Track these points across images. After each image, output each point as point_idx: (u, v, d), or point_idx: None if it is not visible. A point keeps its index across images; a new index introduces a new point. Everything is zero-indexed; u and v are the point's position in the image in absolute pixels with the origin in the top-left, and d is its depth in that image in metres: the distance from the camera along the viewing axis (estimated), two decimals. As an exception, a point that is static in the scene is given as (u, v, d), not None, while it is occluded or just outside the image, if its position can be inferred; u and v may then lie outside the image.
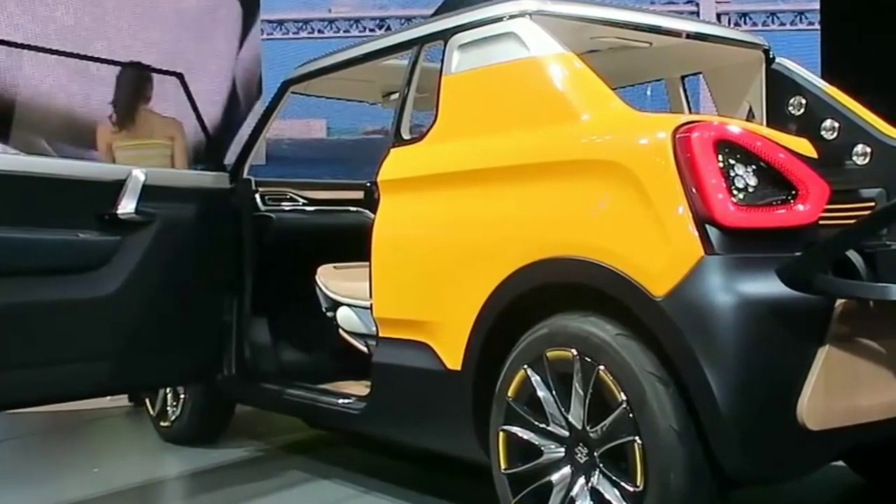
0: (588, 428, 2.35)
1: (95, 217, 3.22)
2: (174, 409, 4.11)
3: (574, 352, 2.36)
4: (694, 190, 2.19)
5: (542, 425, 2.44)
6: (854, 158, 2.78)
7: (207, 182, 3.61)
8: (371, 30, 7.34)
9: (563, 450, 2.41)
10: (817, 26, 7.02)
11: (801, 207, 2.23)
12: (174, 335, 3.44)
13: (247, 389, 3.69)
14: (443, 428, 2.82)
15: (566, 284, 2.46)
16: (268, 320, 3.82)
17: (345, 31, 7.42)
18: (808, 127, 2.93)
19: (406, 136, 3.09)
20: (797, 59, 3.23)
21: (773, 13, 7.18)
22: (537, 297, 2.51)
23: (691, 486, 2.18)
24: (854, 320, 2.18)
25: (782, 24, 7.17)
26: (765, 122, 3.13)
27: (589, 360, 2.33)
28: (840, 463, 3.03)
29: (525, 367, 2.48)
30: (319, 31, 7.45)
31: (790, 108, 3.02)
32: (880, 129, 2.76)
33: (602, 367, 2.30)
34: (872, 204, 2.65)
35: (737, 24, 7.16)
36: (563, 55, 2.66)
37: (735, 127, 2.32)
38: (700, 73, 3.56)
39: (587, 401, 2.34)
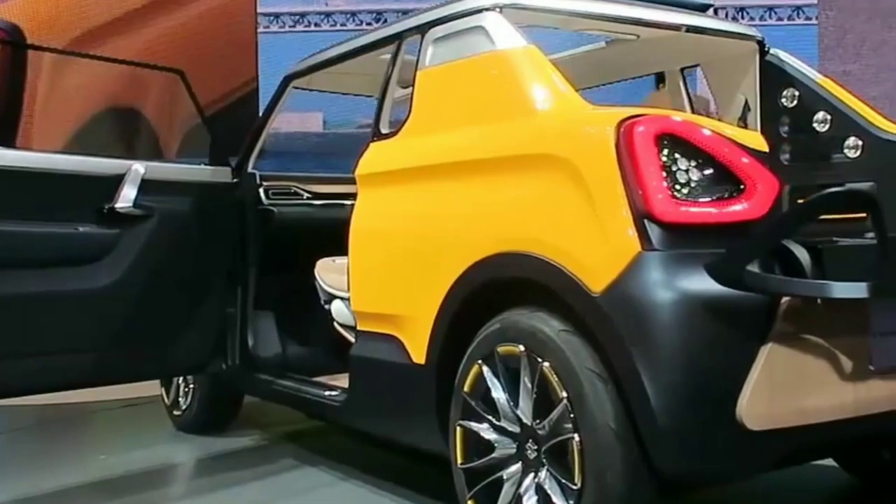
0: (535, 424, 2.33)
1: (94, 211, 3.28)
2: (185, 399, 4.25)
3: (522, 347, 2.36)
4: (633, 185, 2.15)
5: (495, 421, 2.44)
6: (845, 151, 2.75)
7: (208, 176, 3.65)
8: (368, 23, 7.32)
9: (514, 446, 2.40)
10: (815, 21, 7.01)
11: (747, 202, 2.19)
12: (172, 327, 3.49)
13: (248, 380, 3.73)
14: (410, 422, 2.83)
15: (514, 280, 2.44)
16: (270, 313, 3.87)
17: (341, 25, 7.40)
18: (800, 119, 2.91)
19: (384, 131, 3.12)
20: (794, 53, 3.21)
21: (770, 8, 7.17)
22: (493, 292, 2.50)
23: (628, 485, 2.15)
24: (800, 319, 2.12)
25: (780, 18, 7.16)
26: (758, 115, 3.11)
27: (535, 356, 2.31)
28: (833, 463, 3.04)
29: (479, 362, 2.48)
30: (316, 25, 7.43)
31: (783, 100, 2.99)
32: (872, 121, 2.73)
33: (546, 364, 2.29)
34: None
35: (734, 19, 7.15)
36: (525, 49, 2.64)
37: (680, 121, 2.28)
38: (697, 65, 3.56)
39: (534, 397, 2.33)
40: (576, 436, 2.21)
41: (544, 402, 2.32)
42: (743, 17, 7.18)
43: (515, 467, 2.40)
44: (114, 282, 3.30)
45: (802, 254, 2.14)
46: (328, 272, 3.52)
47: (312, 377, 3.54)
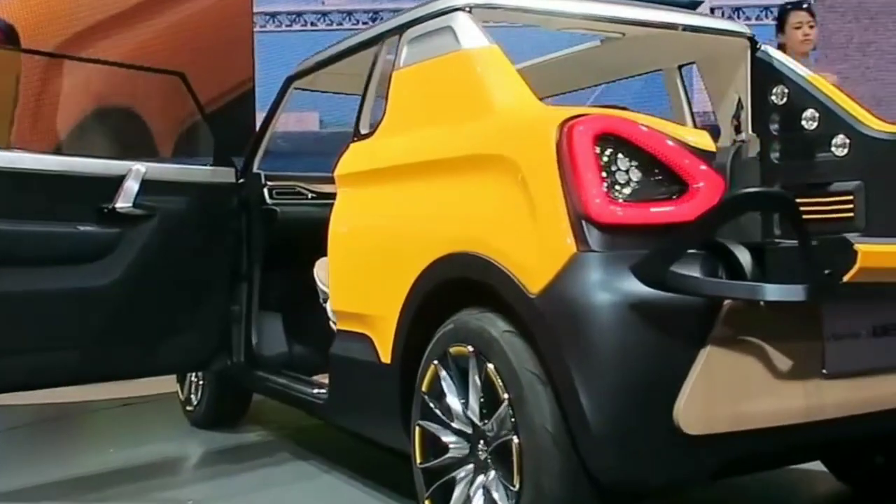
0: (483, 426, 2.32)
1: (96, 211, 3.31)
2: (196, 395, 4.33)
3: (470, 348, 2.35)
4: (571, 185, 2.12)
5: (449, 421, 2.43)
6: (833, 149, 2.68)
7: (211, 177, 3.67)
8: (364, 23, 7.33)
9: (468, 447, 2.39)
10: (811, 20, 7.02)
11: (689, 203, 2.14)
12: (173, 324, 3.52)
13: (249, 377, 3.76)
14: (380, 420, 2.83)
15: (464, 280, 2.44)
16: (274, 311, 3.88)
17: (338, 24, 7.41)
18: (790, 117, 2.89)
19: (363, 131, 3.14)
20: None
21: (766, 7, 7.19)
22: (449, 292, 2.50)
23: (565, 490, 2.12)
24: (744, 321, 2.05)
25: (776, 18, 7.16)
26: (750, 113, 3.09)
27: (482, 356, 2.30)
28: (823, 468, 3.02)
29: (435, 362, 2.48)
30: (312, 24, 7.44)
31: (773, 97, 2.90)
32: (861, 119, 2.67)
33: (490, 365, 2.27)
34: (850, 197, 2.56)
35: (730, 18, 7.16)
36: (484, 49, 2.62)
37: (623, 120, 2.22)
38: (692, 63, 3.56)
39: (481, 398, 2.33)
40: (515, 438, 2.18)
41: (491, 403, 2.29)
42: (739, 17, 7.19)
43: (468, 468, 2.39)
44: (114, 280, 3.34)
45: (744, 255, 2.09)
46: (325, 271, 3.54)
47: (313, 375, 3.56)
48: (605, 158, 2.13)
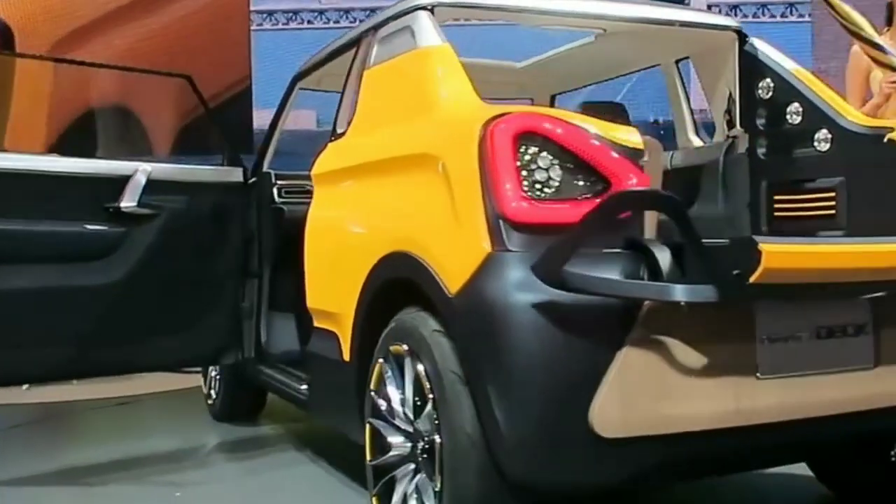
0: (416, 425, 2.32)
1: (102, 210, 3.40)
2: (214, 389, 4.47)
3: (405, 347, 2.34)
4: (489, 184, 2.10)
5: (393, 420, 2.43)
6: (815, 145, 2.67)
7: (218, 176, 3.73)
8: (361, 21, 7.30)
9: (409, 445, 2.38)
10: (808, 18, 7.03)
11: None
12: (181, 321, 3.59)
13: (255, 373, 3.81)
14: (345, 418, 2.84)
15: (400, 279, 2.44)
16: (283, 308, 3.90)
17: (335, 22, 7.39)
18: (776, 111, 2.85)
19: (339, 130, 3.15)
20: (788, 50, 3.18)
21: (763, 5, 7.17)
22: (394, 290, 2.50)
23: (482, 491, 2.10)
24: (666, 323, 2.00)
25: (773, 15, 7.17)
26: (738, 107, 3.07)
27: (414, 355, 2.30)
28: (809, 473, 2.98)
29: (381, 360, 2.48)
30: (309, 22, 7.42)
31: (759, 91, 2.90)
32: (844, 114, 2.65)
33: (419, 364, 2.27)
34: (832, 195, 2.56)
35: (727, 16, 7.15)
36: (434, 48, 2.62)
37: (545, 118, 2.19)
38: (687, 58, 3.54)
39: (414, 398, 2.32)
40: (437, 438, 2.18)
41: (421, 402, 2.30)
42: (736, 14, 7.19)
43: (408, 467, 2.38)
44: (119, 277, 3.42)
45: (664, 255, 2.04)
46: None
47: (298, 371, 3.58)
48: (528, 157, 2.11)
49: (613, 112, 3.30)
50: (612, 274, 2.00)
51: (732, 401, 2.06)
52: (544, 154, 2.11)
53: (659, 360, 2.01)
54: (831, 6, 2.69)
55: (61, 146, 6.83)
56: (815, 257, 1.92)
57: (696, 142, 3.51)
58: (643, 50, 3.44)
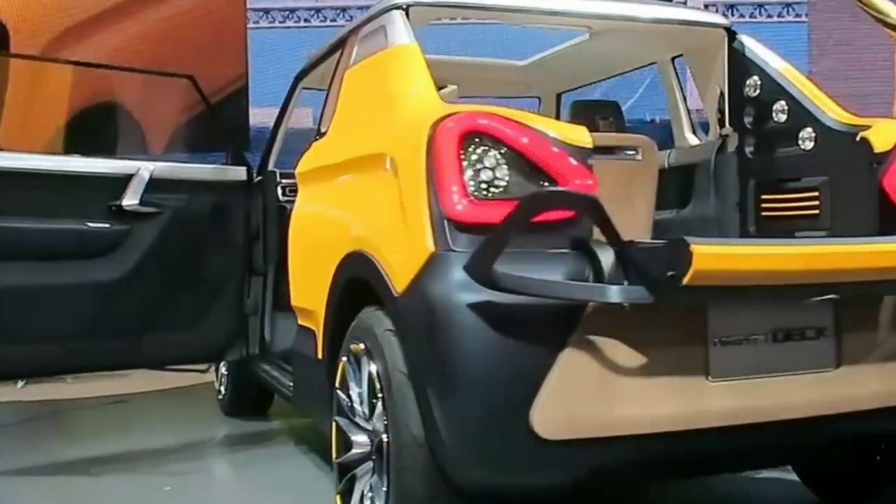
0: (371, 424, 2.32)
1: (105, 209, 3.45)
2: (223, 385, 4.55)
3: (363, 346, 2.35)
4: (434, 184, 2.09)
5: (354, 419, 2.43)
6: (800, 143, 2.65)
7: (221, 175, 3.76)
8: (358, 19, 7.31)
9: (368, 444, 2.37)
10: (804, 18, 7.04)
11: None
12: (184, 318, 3.63)
13: (257, 369, 3.84)
14: (320, 414, 2.84)
15: (358, 279, 2.44)
16: (286, 305, 3.93)
17: (331, 21, 7.39)
18: (763, 109, 2.84)
19: (323, 130, 3.16)
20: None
21: (760, 5, 7.18)
22: (357, 289, 2.49)
23: (426, 492, 2.10)
24: (608, 325, 1.98)
25: (769, 15, 7.18)
26: (727, 106, 3.05)
27: (370, 354, 2.30)
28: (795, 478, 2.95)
29: (344, 359, 2.48)
30: (306, 21, 7.42)
31: (747, 89, 2.89)
32: (828, 112, 2.62)
33: (372, 363, 2.27)
34: (816, 194, 2.54)
35: (724, 16, 7.14)
36: (402, 47, 2.61)
37: (492, 117, 2.15)
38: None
39: (370, 397, 2.32)
40: (384, 437, 2.20)
41: (374, 402, 2.29)
42: (733, 14, 7.20)
43: (367, 466, 2.37)
44: (121, 274, 3.46)
45: (606, 256, 2.02)
46: None
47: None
48: (475, 156, 2.10)
49: (605, 110, 3.31)
50: (555, 274, 1.96)
51: (681, 404, 2.04)
52: (491, 153, 2.09)
53: (603, 362, 1.98)
54: None
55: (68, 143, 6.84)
56: (748, 259, 1.89)
57: (693, 140, 3.50)
58: (635, 48, 3.42)
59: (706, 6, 7.14)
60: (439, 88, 3.38)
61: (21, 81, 6.80)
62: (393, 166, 2.31)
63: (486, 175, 2.07)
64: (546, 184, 2.08)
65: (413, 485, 2.10)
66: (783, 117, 2.74)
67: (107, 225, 3.46)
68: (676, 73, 3.58)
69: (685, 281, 1.79)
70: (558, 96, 4.14)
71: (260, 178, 3.88)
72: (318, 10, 7.43)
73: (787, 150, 2.67)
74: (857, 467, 2.72)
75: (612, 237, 1.92)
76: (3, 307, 3.30)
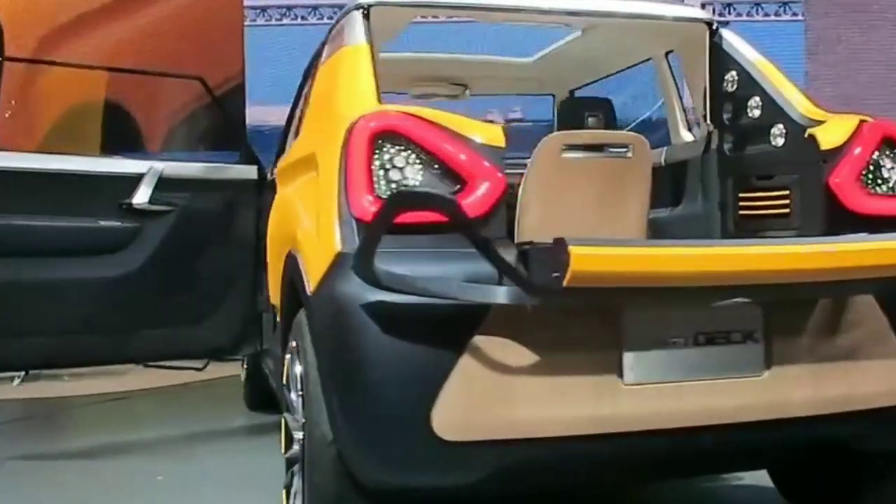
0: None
1: (116, 207, 3.56)
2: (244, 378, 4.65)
3: (295, 344, 2.36)
4: (344, 184, 2.10)
5: (294, 414, 2.44)
6: (771, 140, 2.60)
7: (231, 174, 3.81)
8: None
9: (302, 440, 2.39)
10: (801, 17, 7.04)
11: (465, 201, 2.05)
12: (198, 313, 3.71)
13: (264, 363, 3.86)
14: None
15: (290, 279, 2.46)
16: None
17: (329, 18, 7.37)
18: (739, 105, 2.80)
19: (300, 129, 3.18)
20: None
21: (757, 3, 7.17)
22: (296, 289, 2.49)
23: (336, 491, 2.11)
24: (513, 326, 1.96)
25: (766, 14, 7.17)
26: (708, 102, 3.02)
27: (298, 353, 2.31)
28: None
29: (287, 356, 2.50)
30: (303, 18, 7.40)
31: (725, 84, 2.85)
32: (797, 107, 2.57)
33: (298, 362, 2.29)
34: (787, 192, 2.50)
35: (721, 15, 7.16)
36: (352, 48, 2.61)
37: (403, 117, 2.16)
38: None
39: (299, 393, 2.33)
40: (299, 434, 2.21)
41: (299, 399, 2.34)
42: (730, 13, 7.19)
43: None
44: (131, 271, 3.56)
45: (509, 255, 2.01)
46: None
47: None
48: (386, 156, 2.10)
49: (595, 107, 3.31)
50: (454, 274, 1.95)
51: (591, 408, 2.01)
52: (403, 154, 2.11)
53: (506, 364, 1.97)
54: None
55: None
56: (627, 261, 1.87)
57: (687, 137, 3.50)
58: (627, 44, 3.40)
59: (703, 5, 7.14)
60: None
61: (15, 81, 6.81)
62: (314, 166, 2.34)
63: (395, 175, 2.08)
64: (457, 184, 2.08)
65: (323, 483, 2.12)
66: (757, 113, 2.71)
67: (117, 223, 3.57)
68: (671, 69, 3.56)
69: (565, 282, 1.78)
70: (571, 93, 4.10)
71: (273, 177, 3.89)
72: (315, 8, 7.42)
73: (761, 148, 2.64)
74: (835, 476, 2.65)
75: (476, 240, 1.90)
76: (15, 302, 3.43)
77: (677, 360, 2.08)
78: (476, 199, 2.07)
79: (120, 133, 7.09)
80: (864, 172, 2.36)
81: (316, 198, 2.29)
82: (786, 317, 2.15)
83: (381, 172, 2.08)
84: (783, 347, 2.14)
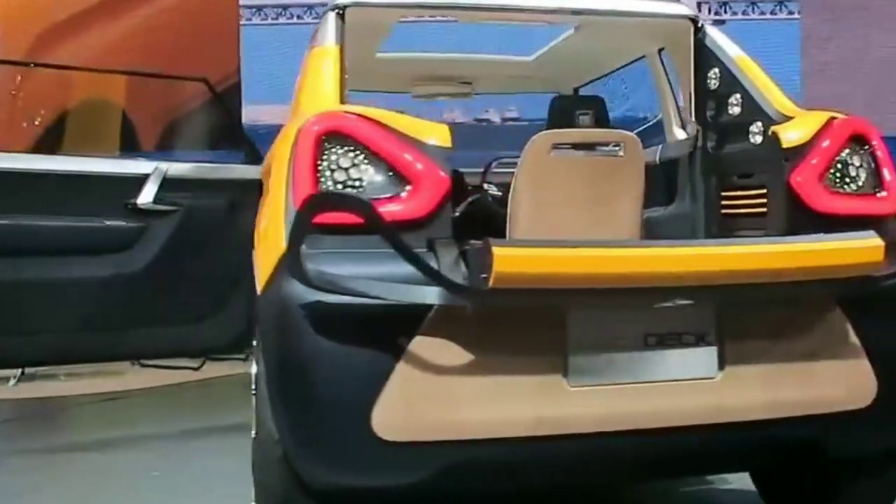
0: None
1: (122, 207, 3.62)
2: None
3: (255, 343, 2.39)
4: (291, 185, 2.12)
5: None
6: (750, 137, 2.58)
7: (235, 173, 3.84)
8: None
9: None
10: (797, 15, 7.04)
11: (408, 202, 2.08)
12: (202, 310, 3.75)
13: None
14: None
15: (252, 279, 2.47)
16: None
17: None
18: (720, 102, 2.79)
19: None
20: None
21: (753, 2, 7.16)
22: None
23: (281, 487, 2.13)
24: (454, 328, 1.96)
25: (762, 13, 7.16)
26: (693, 99, 3.01)
27: (256, 352, 2.34)
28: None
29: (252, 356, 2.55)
30: (298, 17, 7.40)
31: (708, 81, 2.84)
32: (777, 106, 2.55)
33: (255, 363, 2.31)
34: (764, 190, 2.48)
35: (717, 13, 7.16)
36: (321, 49, 2.63)
37: (350, 118, 2.17)
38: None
39: (253, 392, 2.36)
40: (252, 432, 2.25)
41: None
42: (725, 11, 7.20)
43: None
44: (136, 270, 3.62)
45: (449, 255, 2.02)
46: None
47: None
48: (333, 156, 2.12)
49: (586, 106, 3.30)
50: (402, 274, 1.94)
51: (535, 409, 2.01)
52: (349, 154, 2.12)
53: (449, 365, 1.97)
54: None
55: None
56: (553, 262, 1.88)
57: (680, 135, 3.50)
58: (619, 42, 3.38)
59: (699, 4, 7.14)
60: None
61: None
62: (274, 166, 2.35)
63: (341, 175, 2.10)
64: (401, 184, 2.10)
65: (270, 480, 2.14)
66: (737, 110, 2.69)
67: (122, 222, 3.62)
68: (664, 67, 3.55)
69: (490, 284, 1.80)
70: (576, 90, 4.08)
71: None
72: (310, 7, 7.41)
73: (741, 146, 2.62)
74: (817, 482, 2.61)
75: (393, 241, 1.90)
76: (21, 300, 3.50)
77: (626, 362, 2.06)
78: (420, 200, 2.08)
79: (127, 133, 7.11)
80: (830, 171, 2.33)
81: (270, 198, 2.31)
82: (741, 319, 2.13)
83: (328, 173, 2.10)
84: (738, 350, 2.11)
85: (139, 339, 3.73)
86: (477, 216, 3.22)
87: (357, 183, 2.10)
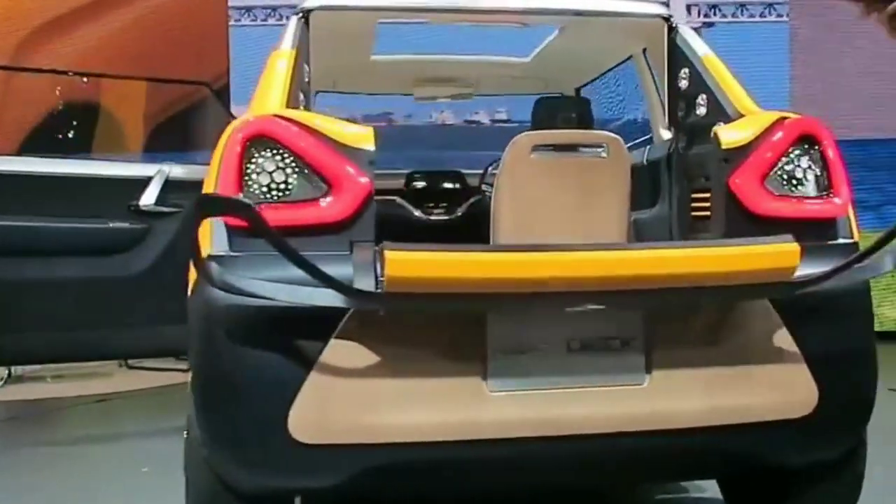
0: None
1: (125, 208, 3.73)
2: None
3: None
4: (217, 187, 2.15)
5: None
6: (713, 138, 2.54)
7: None
8: (342, 18, 7.29)
9: None
10: (786, 18, 7.06)
11: (328, 205, 2.10)
12: None
13: None
14: None
15: None
16: None
17: (315, 19, 7.36)
18: (689, 102, 2.78)
19: None
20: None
21: (742, 5, 7.17)
22: None
23: (207, 488, 2.16)
24: (370, 332, 1.98)
25: (751, 15, 7.18)
26: (666, 100, 3.00)
27: None
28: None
29: None
30: (287, 19, 7.38)
31: (680, 81, 2.83)
32: (737, 106, 2.53)
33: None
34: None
35: (706, 16, 7.18)
36: (277, 53, 2.66)
37: (276, 122, 2.19)
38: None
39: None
40: (185, 433, 2.28)
41: None
42: (715, 14, 7.21)
43: None
44: (140, 270, 3.73)
45: (367, 258, 2.04)
46: None
47: None
48: (260, 160, 2.13)
49: (569, 107, 3.30)
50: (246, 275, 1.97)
51: (453, 414, 2.01)
52: (275, 158, 2.14)
53: (366, 368, 1.98)
54: None
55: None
56: (446, 266, 1.88)
57: (666, 135, 3.51)
58: (602, 42, 3.38)
59: (689, 7, 7.16)
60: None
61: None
62: (209, 169, 2.37)
63: (265, 179, 2.11)
64: (319, 186, 2.12)
65: (197, 482, 2.18)
66: (703, 111, 2.67)
67: (126, 224, 3.74)
68: (649, 67, 3.56)
69: (387, 287, 1.82)
70: (577, 91, 4.08)
71: None
72: (300, 9, 7.43)
73: (704, 147, 2.60)
74: (767, 484, 2.58)
75: (279, 245, 1.90)
76: (25, 299, 3.63)
77: (547, 367, 2.05)
78: (340, 203, 2.10)
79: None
80: (775, 172, 2.28)
81: None
82: (671, 324, 2.10)
83: (254, 176, 2.12)
84: (668, 356, 2.09)
85: (143, 338, 3.82)
86: (478, 218, 3.22)
87: (281, 186, 2.12)
